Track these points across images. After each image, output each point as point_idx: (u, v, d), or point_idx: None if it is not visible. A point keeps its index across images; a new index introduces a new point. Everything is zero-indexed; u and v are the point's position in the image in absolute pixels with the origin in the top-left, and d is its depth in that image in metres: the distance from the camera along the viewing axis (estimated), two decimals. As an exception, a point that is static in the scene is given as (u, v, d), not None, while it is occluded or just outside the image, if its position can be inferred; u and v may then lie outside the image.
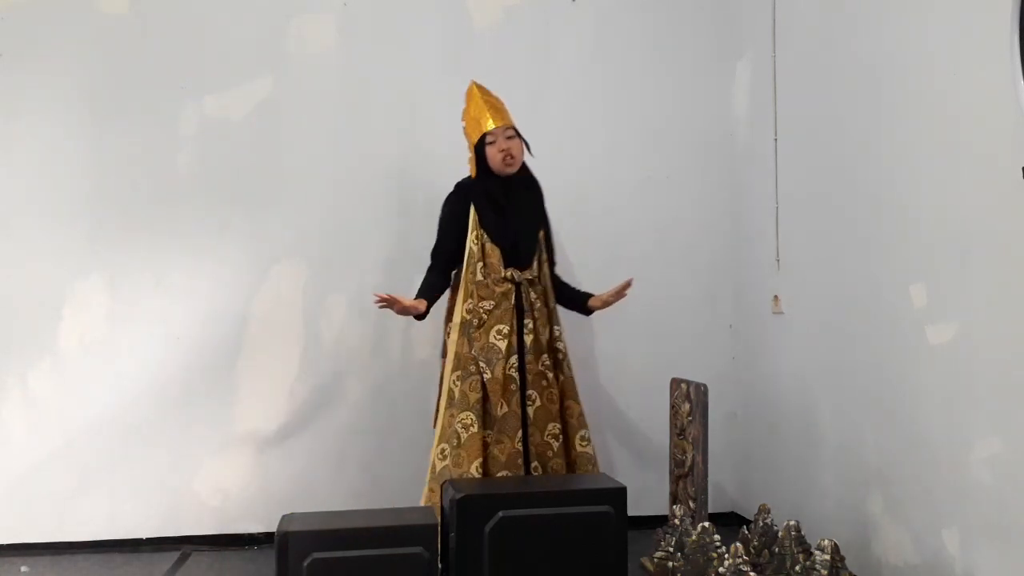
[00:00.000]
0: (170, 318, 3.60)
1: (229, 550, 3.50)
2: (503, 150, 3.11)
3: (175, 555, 3.48)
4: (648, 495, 3.61)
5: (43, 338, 3.54)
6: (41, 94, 3.57)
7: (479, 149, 3.15)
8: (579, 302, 3.32)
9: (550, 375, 3.13)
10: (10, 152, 3.55)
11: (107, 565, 3.37)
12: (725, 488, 3.85)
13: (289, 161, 3.69)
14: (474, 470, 2.93)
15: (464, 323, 3.08)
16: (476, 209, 3.14)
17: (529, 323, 3.09)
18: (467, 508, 2.56)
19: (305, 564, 2.35)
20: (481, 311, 3.06)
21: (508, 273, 3.10)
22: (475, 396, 3.00)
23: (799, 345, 3.36)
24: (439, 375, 3.22)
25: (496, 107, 3.18)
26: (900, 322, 2.73)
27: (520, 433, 3.03)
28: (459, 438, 2.97)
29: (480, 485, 2.74)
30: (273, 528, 2.54)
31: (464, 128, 3.22)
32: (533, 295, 3.14)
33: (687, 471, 3.09)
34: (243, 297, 3.65)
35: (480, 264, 3.11)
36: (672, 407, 3.23)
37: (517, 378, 3.06)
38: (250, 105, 3.67)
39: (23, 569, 3.30)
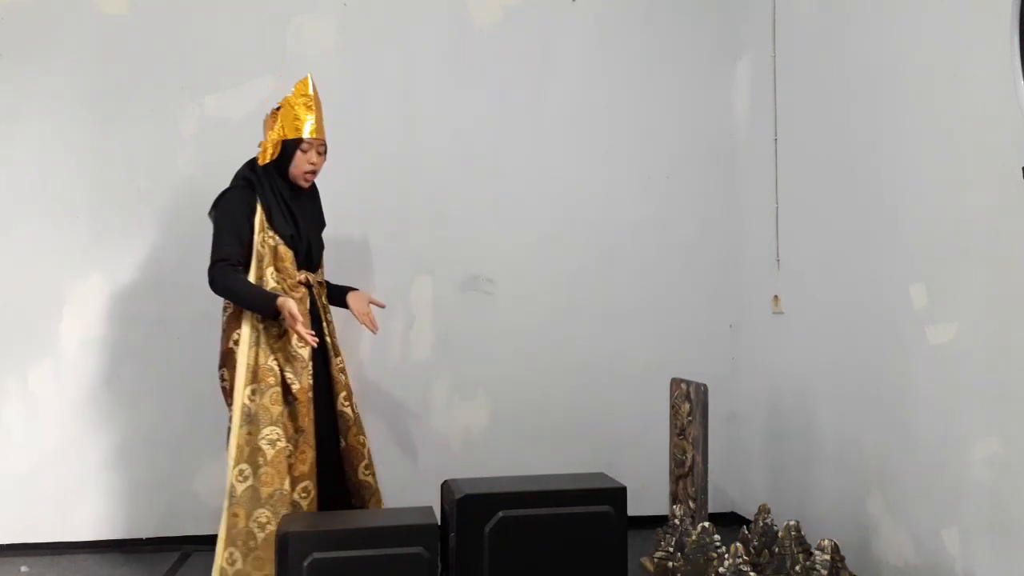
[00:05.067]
0: (170, 318, 3.60)
1: (229, 550, 3.50)
2: (312, 163, 2.93)
3: (175, 555, 3.48)
4: (648, 495, 3.61)
5: (43, 338, 3.54)
6: (42, 94, 3.57)
7: (288, 147, 2.91)
8: (342, 296, 3.12)
9: (344, 378, 2.98)
10: (11, 152, 3.55)
11: (107, 565, 3.37)
12: (725, 488, 3.85)
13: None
14: (287, 486, 2.74)
15: (258, 332, 2.81)
16: (263, 207, 2.88)
17: (326, 326, 2.97)
18: (467, 508, 2.56)
19: (305, 564, 2.35)
20: (280, 319, 2.80)
21: (302, 277, 2.92)
22: (277, 409, 2.76)
23: (799, 345, 3.36)
24: (224, 390, 2.89)
25: (321, 115, 2.99)
26: (900, 322, 2.73)
27: (324, 441, 2.89)
28: (264, 455, 2.73)
29: (480, 485, 2.73)
30: (273, 528, 2.54)
31: (275, 113, 2.96)
32: (324, 298, 3.02)
33: (687, 471, 3.09)
34: (243, 297, 3.65)
35: (271, 268, 2.85)
36: (672, 407, 3.23)
37: (316, 384, 2.88)
38: (250, 105, 3.66)
39: (23, 569, 3.30)
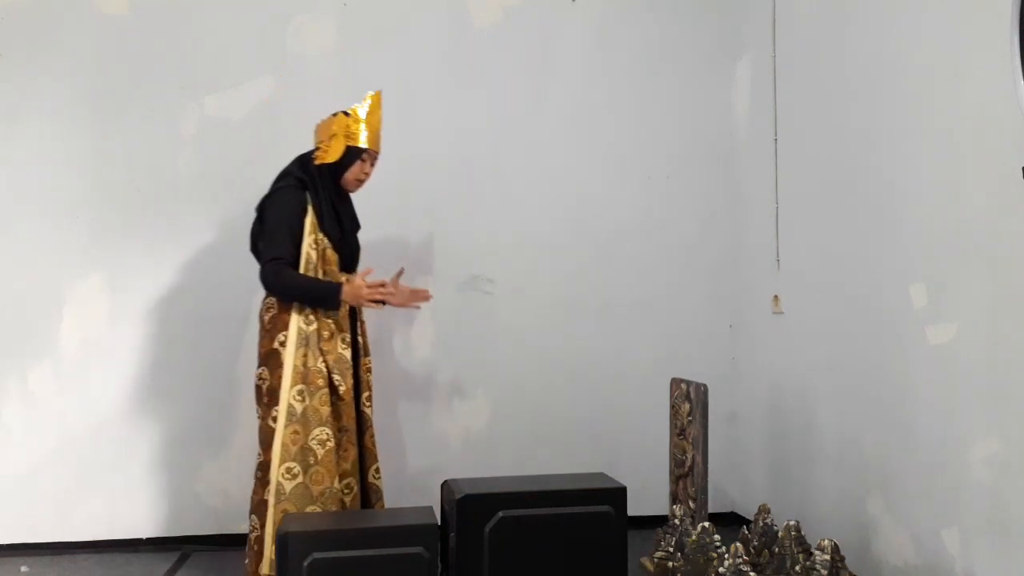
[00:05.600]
0: (170, 318, 3.60)
1: (229, 550, 3.49)
2: (367, 174, 3.02)
3: (175, 555, 3.48)
4: (648, 495, 3.61)
5: (43, 338, 3.54)
6: (42, 95, 3.57)
7: (351, 153, 2.95)
8: None
9: (369, 378, 3.06)
10: (11, 152, 3.55)
11: (107, 565, 3.37)
12: (725, 488, 3.85)
13: (288, 161, 3.68)
14: (336, 484, 2.82)
15: (306, 334, 2.84)
16: (315, 209, 2.91)
17: (360, 326, 3.03)
18: (467, 508, 2.56)
19: (305, 564, 2.35)
20: (330, 322, 2.87)
21: (344, 279, 2.95)
22: (326, 410, 2.83)
23: (799, 345, 3.36)
24: (259, 389, 2.88)
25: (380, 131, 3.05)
26: (900, 322, 2.73)
27: (357, 437, 2.96)
28: (315, 455, 2.78)
29: (480, 485, 2.73)
30: (273, 528, 2.55)
31: (344, 120, 2.95)
32: None
33: (687, 471, 3.09)
34: (243, 297, 3.64)
35: (321, 273, 2.89)
36: (672, 407, 3.23)
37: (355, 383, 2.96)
38: (250, 105, 3.67)
39: (23, 569, 3.30)
